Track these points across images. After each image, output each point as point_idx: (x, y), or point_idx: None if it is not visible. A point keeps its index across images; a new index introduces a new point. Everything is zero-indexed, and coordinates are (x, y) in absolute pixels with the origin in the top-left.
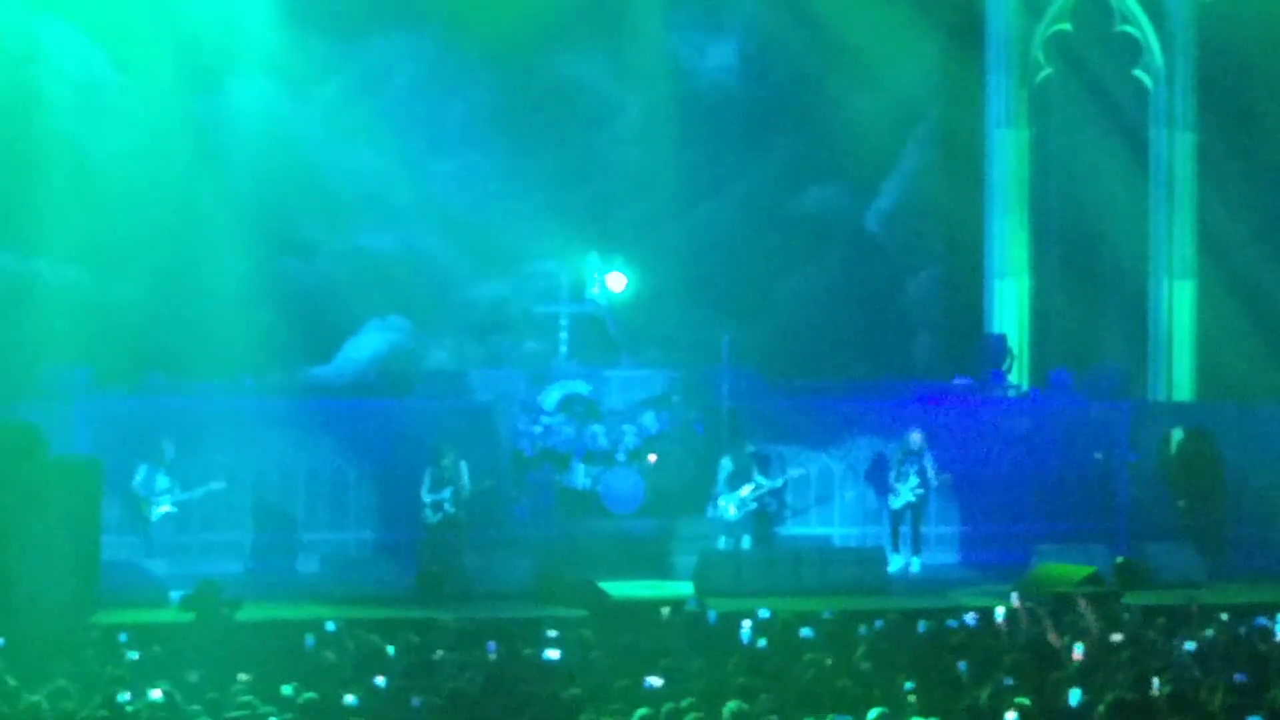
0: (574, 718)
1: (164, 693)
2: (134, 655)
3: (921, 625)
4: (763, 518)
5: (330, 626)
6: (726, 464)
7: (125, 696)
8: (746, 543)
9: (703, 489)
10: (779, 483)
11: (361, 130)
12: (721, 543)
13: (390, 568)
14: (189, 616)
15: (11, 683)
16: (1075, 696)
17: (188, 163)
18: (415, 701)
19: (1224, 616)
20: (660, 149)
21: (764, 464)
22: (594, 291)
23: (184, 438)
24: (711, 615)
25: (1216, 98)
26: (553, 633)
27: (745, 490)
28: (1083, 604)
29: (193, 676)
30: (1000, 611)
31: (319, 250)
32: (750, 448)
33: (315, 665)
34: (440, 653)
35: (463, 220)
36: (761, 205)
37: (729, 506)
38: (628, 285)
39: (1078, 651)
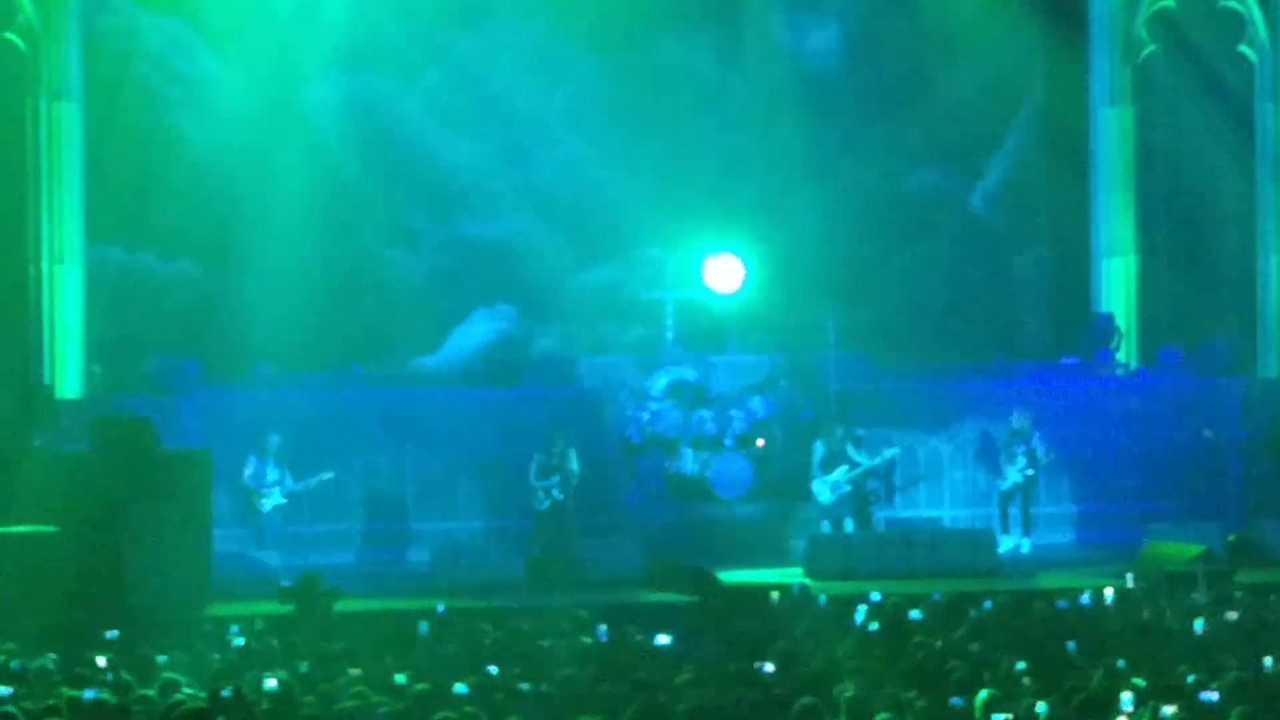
0: (681, 702)
1: (279, 682)
2: (240, 643)
3: (1032, 606)
4: (862, 498)
5: (440, 608)
6: (819, 448)
7: (239, 686)
8: (849, 525)
9: (810, 471)
10: (874, 463)
11: (465, 119)
12: (825, 527)
13: (500, 556)
14: (289, 608)
15: (126, 677)
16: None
17: (292, 155)
18: (525, 688)
19: None
20: (765, 133)
21: (860, 445)
22: (701, 280)
23: (293, 429)
24: (821, 599)
25: None
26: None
27: (838, 472)
28: (1201, 579)
29: (303, 667)
30: (1109, 592)
31: (425, 240)
32: (840, 430)
33: (426, 654)
34: (549, 640)
35: (568, 207)
36: (866, 188)
37: (822, 489)
38: (745, 277)
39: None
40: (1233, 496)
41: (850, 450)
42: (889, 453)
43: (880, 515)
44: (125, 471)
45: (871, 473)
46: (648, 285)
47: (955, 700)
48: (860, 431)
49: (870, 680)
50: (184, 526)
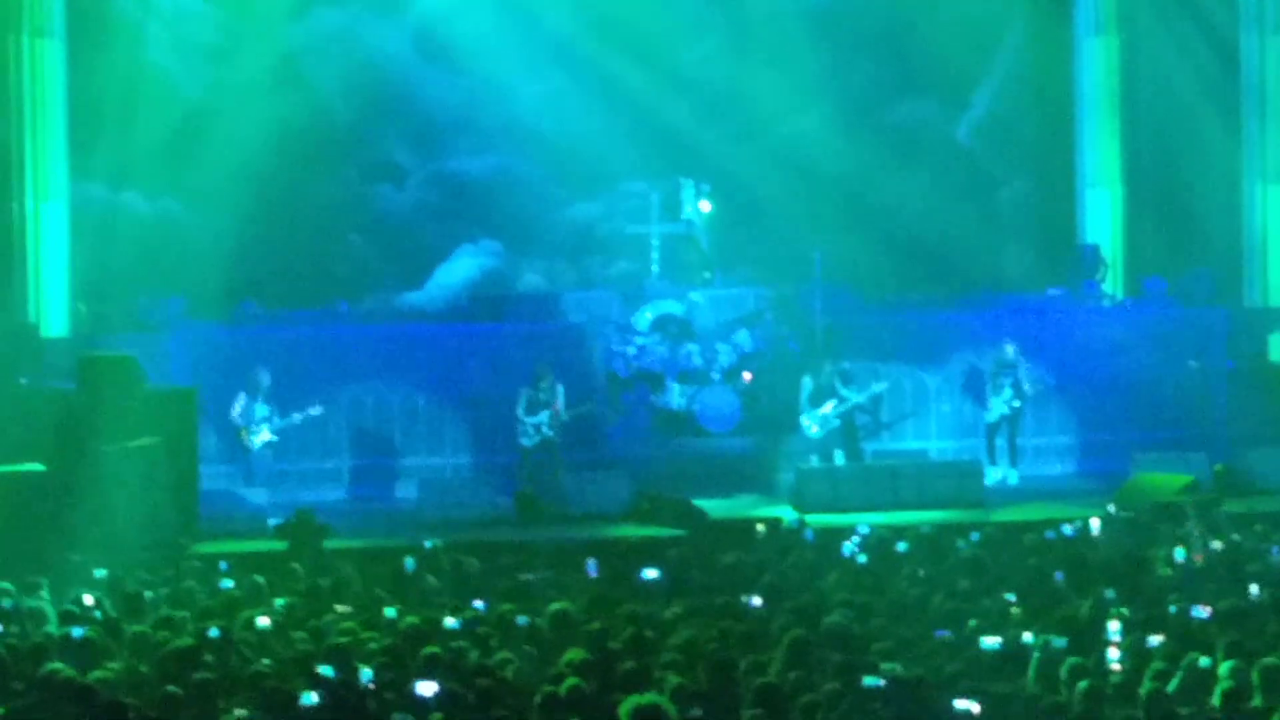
0: (671, 636)
1: (271, 620)
2: (229, 584)
3: (1019, 538)
4: (851, 432)
5: (429, 544)
6: (807, 382)
7: (230, 625)
8: (839, 459)
9: (797, 406)
10: (863, 397)
11: (449, 54)
12: (813, 460)
13: (487, 491)
14: (283, 545)
15: (113, 614)
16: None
17: (277, 91)
18: (521, 621)
19: None
20: (748, 65)
21: (849, 379)
22: (689, 215)
23: (279, 366)
24: (809, 533)
25: None
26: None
27: (827, 407)
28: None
29: (294, 604)
30: (1095, 523)
31: (410, 176)
32: (828, 365)
33: (415, 589)
34: (534, 574)
35: (553, 142)
36: (851, 119)
37: (811, 425)
38: (711, 210)
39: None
40: (1219, 426)
41: (839, 385)
42: (876, 387)
43: (868, 448)
44: (111, 410)
45: (860, 407)
46: (632, 219)
47: (941, 632)
48: (847, 365)
49: (857, 613)
50: (171, 464)
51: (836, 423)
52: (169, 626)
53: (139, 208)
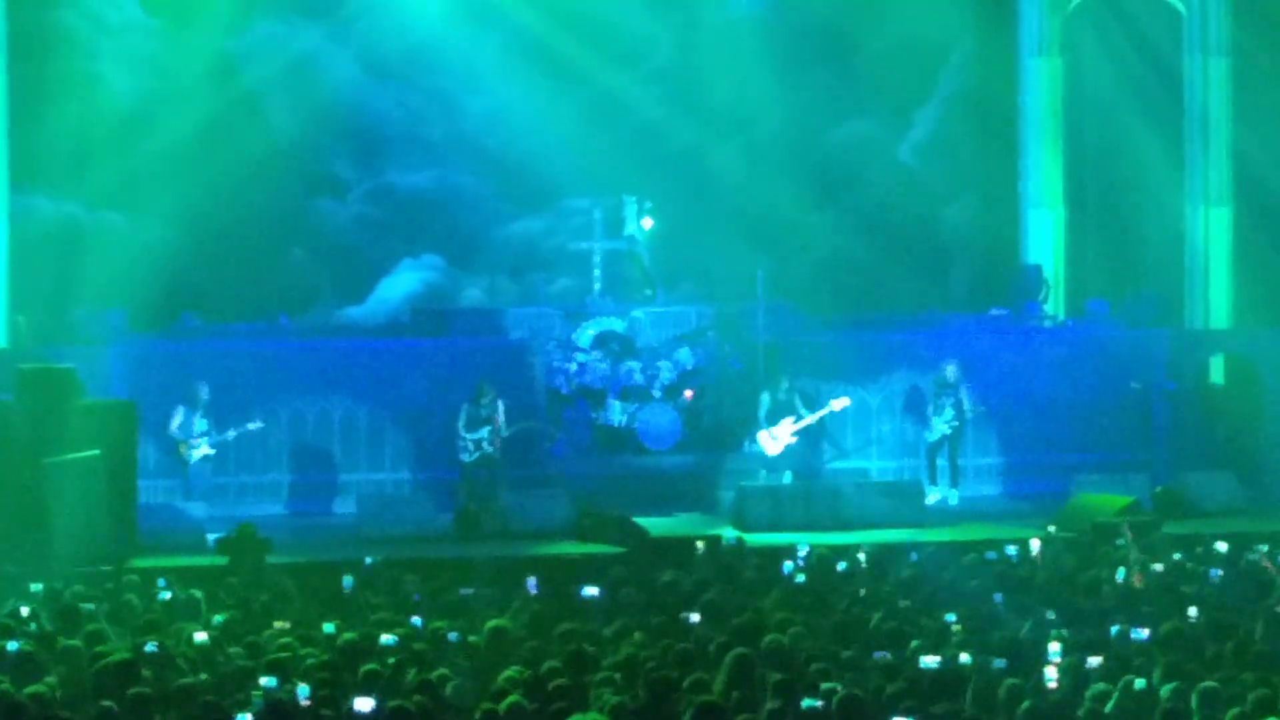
0: (612, 653)
1: (208, 635)
2: (167, 596)
3: (959, 558)
4: (806, 452)
5: (369, 561)
6: (765, 400)
7: (168, 640)
8: (788, 478)
9: (740, 424)
10: (819, 415)
11: (393, 67)
12: (764, 478)
13: (427, 507)
14: (224, 560)
15: (49, 628)
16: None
17: (219, 104)
18: (453, 637)
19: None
20: (692, 83)
21: (806, 398)
22: (629, 228)
23: (219, 380)
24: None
25: (1250, 22)
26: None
27: (784, 425)
28: (1127, 534)
29: (232, 619)
30: (1035, 544)
31: (352, 189)
32: (786, 382)
33: (353, 605)
34: (473, 590)
35: (496, 157)
36: (795, 138)
37: (768, 443)
38: (653, 226)
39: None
40: (1160, 448)
41: (798, 403)
42: (834, 404)
43: (827, 467)
44: (50, 422)
45: (819, 426)
46: (575, 236)
47: (880, 654)
48: (804, 384)
49: (797, 632)
50: (109, 478)
51: (794, 440)
52: (105, 641)
53: (79, 219)
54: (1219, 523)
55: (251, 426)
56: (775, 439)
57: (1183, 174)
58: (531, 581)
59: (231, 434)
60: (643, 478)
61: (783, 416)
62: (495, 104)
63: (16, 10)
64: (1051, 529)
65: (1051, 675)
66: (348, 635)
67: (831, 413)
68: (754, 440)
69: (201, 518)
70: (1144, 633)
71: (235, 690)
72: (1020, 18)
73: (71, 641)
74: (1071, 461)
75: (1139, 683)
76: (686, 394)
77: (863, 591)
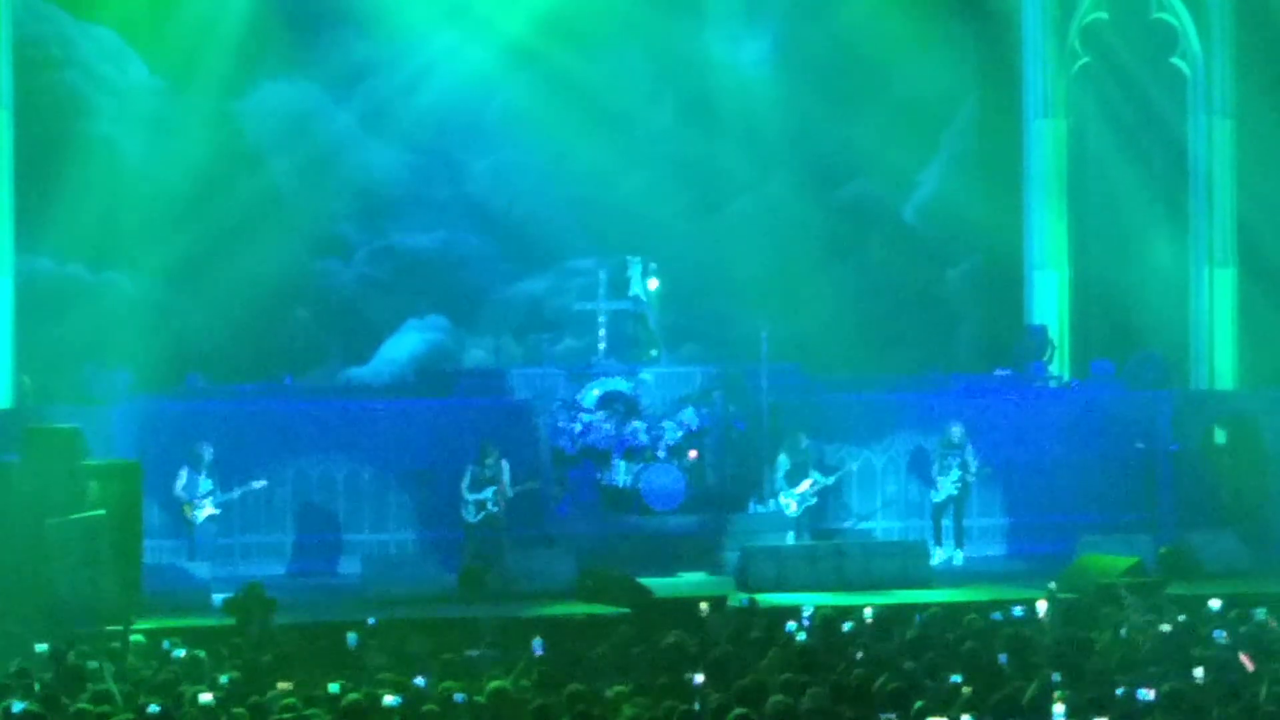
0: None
1: (213, 696)
2: (180, 654)
3: (964, 619)
4: (817, 512)
5: (371, 621)
6: (784, 460)
7: (171, 702)
8: (806, 539)
9: (744, 484)
10: (835, 478)
11: (397, 129)
12: (790, 539)
13: (431, 567)
14: (230, 620)
15: (54, 689)
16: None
17: (225, 165)
18: (459, 699)
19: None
20: (696, 143)
21: (822, 459)
22: (636, 290)
23: (224, 440)
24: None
25: (1255, 84)
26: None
27: (804, 485)
28: (1125, 596)
29: (237, 679)
30: (1042, 605)
31: (356, 250)
32: (805, 441)
33: (357, 665)
34: (479, 650)
35: (500, 218)
36: (799, 199)
37: (789, 503)
38: (658, 287)
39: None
40: (1165, 508)
41: (811, 464)
42: (853, 465)
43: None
44: (55, 483)
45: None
46: (580, 296)
47: (885, 716)
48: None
49: (801, 693)
50: (114, 538)
51: (814, 501)
52: (109, 701)
53: (85, 279)
54: (1223, 584)
55: (256, 485)
56: (796, 499)
57: (1187, 234)
58: (537, 643)
59: (236, 493)
60: (647, 538)
61: (802, 477)
62: (500, 164)
63: (23, 71)
64: (1052, 585)
65: None
66: (352, 696)
67: (850, 473)
68: (762, 500)
69: (205, 578)
70: (1149, 694)
71: None
72: (1024, 79)
73: (77, 704)
74: (1076, 522)
75: None
76: (691, 454)
77: (861, 654)
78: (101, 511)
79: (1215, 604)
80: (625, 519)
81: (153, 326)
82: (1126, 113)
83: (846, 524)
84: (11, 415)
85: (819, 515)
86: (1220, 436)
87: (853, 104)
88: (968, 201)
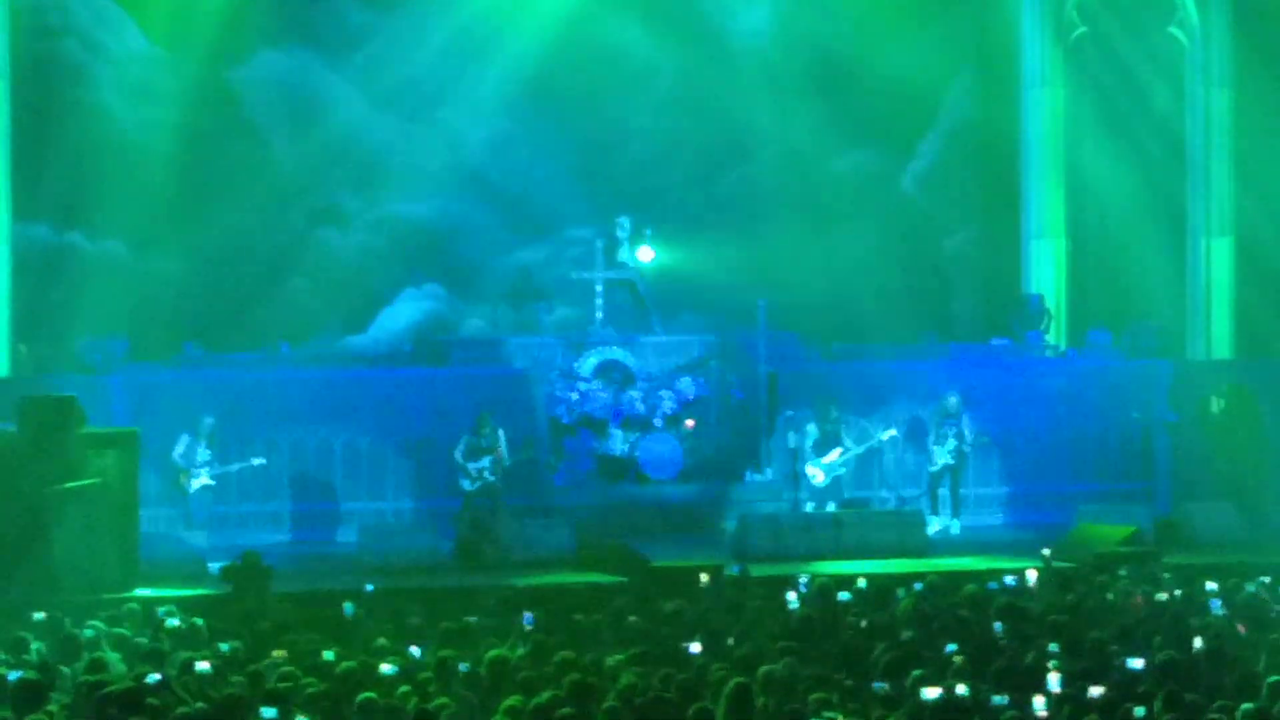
0: (614, 683)
1: (210, 664)
2: (172, 624)
3: (961, 588)
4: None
5: (369, 588)
6: (812, 430)
7: (170, 669)
8: (832, 509)
9: (742, 454)
10: (867, 447)
11: (395, 98)
12: (810, 508)
13: (428, 536)
14: (227, 588)
15: (50, 657)
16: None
17: (221, 133)
18: (463, 668)
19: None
20: (694, 113)
21: (850, 428)
22: (624, 257)
23: (221, 409)
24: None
25: (1253, 53)
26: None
27: (833, 455)
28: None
29: (235, 647)
30: (1032, 575)
31: (354, 219)
32: (835, 412)
33: (353, 634)
34: (474, 619)
35: (498, 187)
36: (797, 168)
37: (816, 473)
38: (655, 257)
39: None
40: (1162, 478)
41: (843, 433)
42: (884, 434)
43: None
44: (52, 451)
45: (868, 455)
46: (577, 265)
47: (879, 685)
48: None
49: (797, 662)
50: (111, 506)
51: (843, 471)
52: (105, 669)
53: (82, 248)
54: (1219, 553)
55: (255, 462)
56: (824, 469)
57: (1184, 204)
58: (528, 617)
59: (234, 467)
60: (644, 507)
61: (831, 447)
62: (497, 134)
63: (19, 40)
64: (1045, 552)
65: (1039, 704)
66: (347, 664)
67: (880, 443)
68: (759, 469)
69: (202, 547)
70: (1138, 663)
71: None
72: (1022, 49)
73: (73, 670)
74: (1073, 491)
75: (1139, 711)
76: (688, 423)
77: (864, 622)
78: (98, 480)
79: (1211, 585)
80: (622, 488)
81: (150, 295)
82: (1123, 82)
83: (882, 495)
84: (8, 384)
85: (844, 487)
86: (1216, 405)
87: (850, 74)
88: (965, 171)
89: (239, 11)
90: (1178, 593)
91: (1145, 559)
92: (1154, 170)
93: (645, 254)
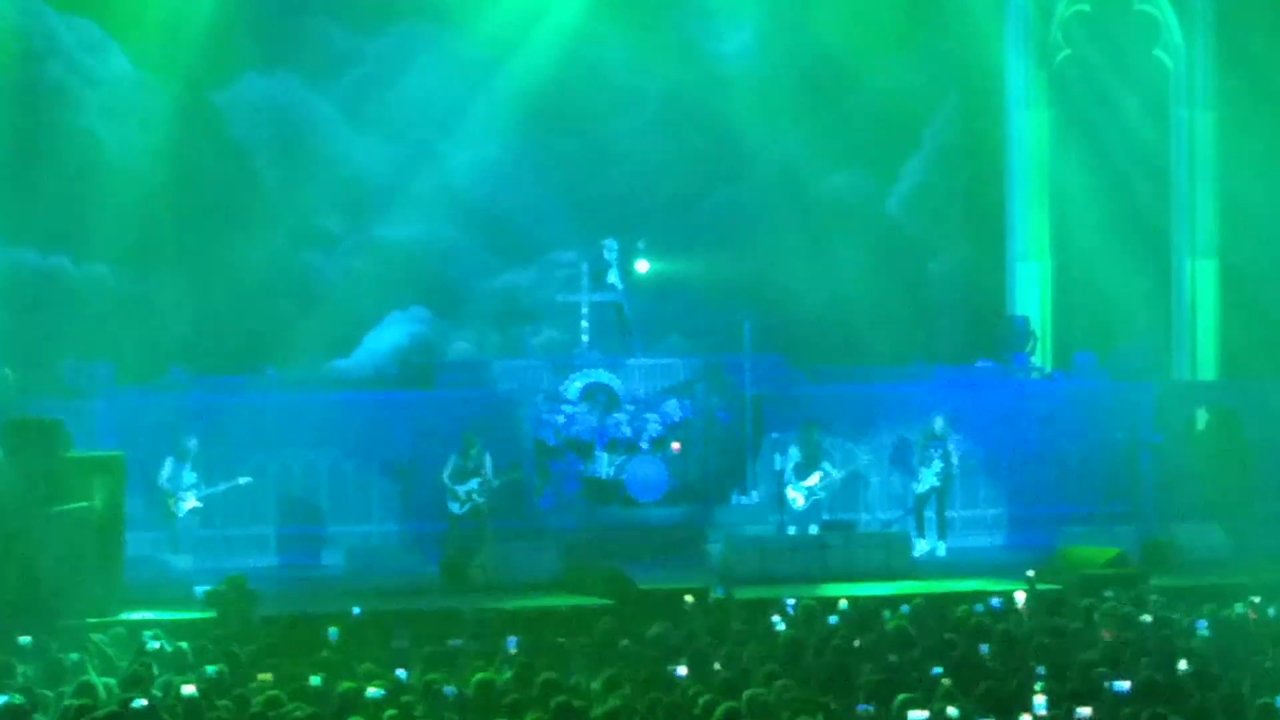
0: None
1: (196, 688)
2: (156, 647)
3: (947, 610)
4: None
5: (356, 612)
6: (794, 453)
7: (155, 693)
8: (814, 531)
9: (727, 476)
10: (849, 471)
11: (380, 121)
12: (792, 531)
13: (414, 559)
14: (212, 612)
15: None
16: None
17: (207, 157)
18: (449, 691)
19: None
20: (680, 135)
21: (828, 454)
22: (612, 279)
23: (207, 432)
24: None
25: (1237, 76)
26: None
27: (813, 479)
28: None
29: (220, 671)
30: (1020, 597)
31: (339, 242)
32: (818, 434)
33: (340, 657)
34: (460, 642)
35: (483, 210)
36: (782, 190)
37: (796, 496)
38: (649, 269)
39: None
40: (1147, 499)
41: (823, 458)
42: (862, 459)
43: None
44: (37, 475)
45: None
46: (562, 288)
47: (863, 707)
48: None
49: (783, 684)
50: (97, 530)
51: (823, 494)
52: (91, 694)
53: (67, 272)
54: (1205, 574)
55: (241, 481)
56: (804, 493)
57: (1168, 226)
58: (512, 641)
59: (221, 487)
60: (630, 529)
61: (811, 470)
62: (482, 157)
63: (4, 64)
64: (1030, 574)
65: None
66: (334, 688)
67: (857, 469)
68: (745, 492)
69: (188, 570)
70: (1125, 685)
71: None
72: (1006, 71)
73: (58, 695)
74: (1059, 513)
75: None
76: (674, 446)
77: (856, 642)
78: (84, 504)
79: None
80: (608, 510)
81: (135, 318)
82: (1109, 104)
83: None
84: None
85: (823, 510)
86: (1201, 422)
87: (835, 96)
88: (950, 193)
89: (224, 35)
90: (1162, 615)
91: (1131, 580)
92: (1138, 192)
93: (642, 266)
